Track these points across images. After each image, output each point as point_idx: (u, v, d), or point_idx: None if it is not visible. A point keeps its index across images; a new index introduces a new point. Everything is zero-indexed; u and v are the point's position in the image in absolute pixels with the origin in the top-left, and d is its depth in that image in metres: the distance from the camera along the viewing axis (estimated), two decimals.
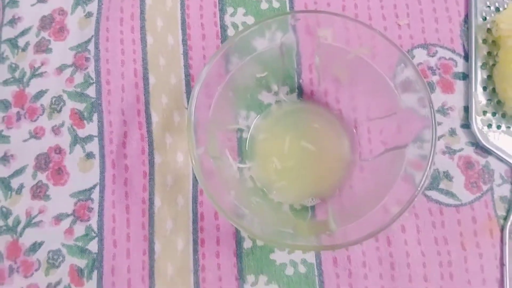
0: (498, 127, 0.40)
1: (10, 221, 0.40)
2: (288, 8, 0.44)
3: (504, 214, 0.39)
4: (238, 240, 0.39)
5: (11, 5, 0.45)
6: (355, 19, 0.34)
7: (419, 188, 0.30)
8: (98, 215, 0.39)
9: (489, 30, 0.42)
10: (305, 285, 0.38)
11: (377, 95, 0.36)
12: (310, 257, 0.38)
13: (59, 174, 0.40)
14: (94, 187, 0.40)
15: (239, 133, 0.39)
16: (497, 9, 0.43)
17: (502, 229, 0.38)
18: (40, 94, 0.42)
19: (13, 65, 0.43)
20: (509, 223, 0.38)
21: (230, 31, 0.43)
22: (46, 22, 0.44)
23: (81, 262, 0.39)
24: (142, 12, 0.44)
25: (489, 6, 0.43)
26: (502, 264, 0.38)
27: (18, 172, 0.41)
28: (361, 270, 0.38)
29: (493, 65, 0.41)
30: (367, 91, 0.37)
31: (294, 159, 0.39)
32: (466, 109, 0.41)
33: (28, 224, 0.39)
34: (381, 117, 0.37)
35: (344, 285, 0.38)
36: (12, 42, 0.44)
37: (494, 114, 0.41)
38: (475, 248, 0.38)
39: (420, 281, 0.38)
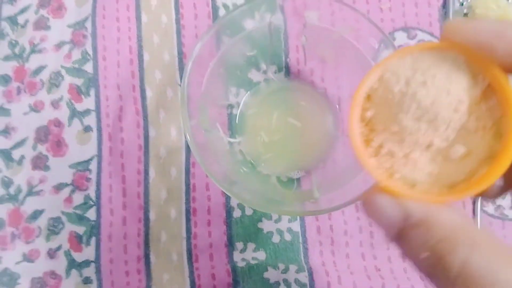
0: None
1: (11, 190, 0.41)
2: None
3: None
4: (228, 209, 0.41)
5: None
6: (340, 1, 0.36)
7: None
8: (96, 185, 0.41)
9: (465, 14, 0.44)
10: (290, 252, 0.40)
11: (360, 74, 0.38)
12: (295, 226, 0.40)
13: (58, 146, 0.42)
14: (92, 158, 0.42)
15: (230, 109, 0.41)
16: None
17: (474, 202, 0.41)
18: (40, 69, 0.43)
19: (13, 42, 0.44)
20: (480, 197, 0.40)
21: (221, 11, 0.45)
22: (44, 0, 0.45)
23: (80, 229, 0.40)
24: None
25: None
26: None
27: (19, 144, 0.42)
28: (342, 238, 0.40)
29: None
30: (350, 71, 0.39)
31: (281, 134, 0.41)
32: None
33: (29, 193, 0.41)
34: None
35: (327, 252, 0.40)
36: (12, 20, 0.45)
37: None
38: None
39: (397, 248, 0.40)
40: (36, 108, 0.43)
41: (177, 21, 0.44)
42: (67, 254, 0.40)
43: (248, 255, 0.40)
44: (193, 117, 0.35)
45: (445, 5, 0.45)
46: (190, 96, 0.35)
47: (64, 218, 0.41)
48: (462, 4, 0.44)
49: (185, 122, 0.34)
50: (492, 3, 0.42)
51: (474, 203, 0.41)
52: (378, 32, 0.35)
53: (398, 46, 0.44)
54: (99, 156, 0.42)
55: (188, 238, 0.40)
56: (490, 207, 0.41)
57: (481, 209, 0.41)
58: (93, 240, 0.40)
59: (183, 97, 0.34)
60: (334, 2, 0.36)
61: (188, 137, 0.33)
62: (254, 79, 0.42)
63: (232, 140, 0.40)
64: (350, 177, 0.36)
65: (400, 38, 0.44)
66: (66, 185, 0.41)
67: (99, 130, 0.42)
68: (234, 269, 0.39)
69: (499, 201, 0.41)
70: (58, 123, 0.42)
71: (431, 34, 0.44)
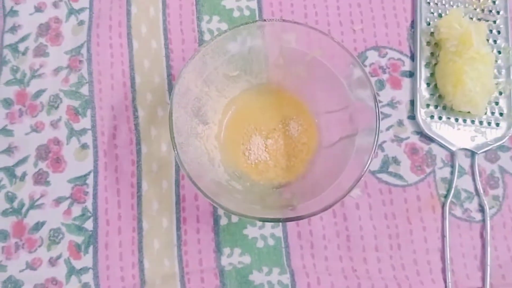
0: (440, 118, 0.46)
1: (15, 204, 0.44)
2: (257, 16, 0.49)
3: (445, 192, 0.44)
4: (215, 218, 0.44)
5: (11, 14, 0.48)
6: (313, 27, 0.40)
7: (365, 168, 0.36)
8: (93, 198, 0.44)
9: (432, 33, 0.47)
10: (274, 256, 0.43)
11: (332, 91, 0.41)
12: (278, 232, 0.43)
13: (58, 162, 0.45)
14: (88, 173, 0.44)
15: (213, 125, 0.44)
16: (440, 15, 0.48)
17: (443, 206, 0.44)
18: (39, 93, 0.46)
19: (15, 68, 0.47)
20: (449, 201, 0.44)
21: (207, 36, 0.48)
22: (43, 29, 0.48)
23: (79, 239, 0.43)
24: (129, 19, 0.48)
25: (432, 13, 0.48)
26: (443, 236, 0.43)
27: (21, 161, 0.45)
28: (321, 242, 0.43)
29: (435, 64, 0.47)
30: (324, 88, 0.42)
31: (262, 152, 0.44)
32: (412, 103, 0.46)
33: (31, 206, 0.44)
34: (337, 110, 0.42)
35: (307, 255, 0.43)
36: (13, 47, 0.48)
37: (436, 106, 0.46)
38: (419, 222, 0.43)
39: (372, 250, 0.43)
40: (37, 128, 0.45)
41: (166, 46, 0.48)
42: (67, 262, 0.42)
43: (235, 259, 0.43)
44: (180, 134, 0.38)
45: (413, 25, 0.48)
46: (178, 115, 0.38)
47: (64, 229, 0.43)
48: (428, 24, 0.48)
49: (173, 139, 0.37)
50: (455, 23, 0.45)
51: (443, 206, 0.44)
52: (346, 53, 0.38)
53: (370, 64, 0.47)
54: (95, 171, 0.44)
55: (179, 245, 0.43)
56: (458, 211, 0.44)
57: (450, 213, 0.44)
58: (90, 249, 0.43)
59: (171, 116, 0.37)
60: (307, 28, 0.40)
61: (176, 153, 0.37)
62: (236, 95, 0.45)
63: (215, 154, 0.43)
64: (327, 185, 0.38)
65: (372, 56, 0.47)
66: (65, 198, 0.44)
67: (95, 147, 0.45)
68: (221, 273, 0.42)
69: (467, 204, 0.44)
70: (57, 142, 0.45)
71: (401, 52, 0.47)
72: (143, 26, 0.48)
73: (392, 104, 0.46)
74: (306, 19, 0.48)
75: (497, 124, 0.45)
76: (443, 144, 0.45)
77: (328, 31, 0.48)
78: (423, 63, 0.47)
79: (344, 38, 0.48)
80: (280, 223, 0.43)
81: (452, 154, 0.45)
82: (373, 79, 0.47)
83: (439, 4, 0.48)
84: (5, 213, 0.44)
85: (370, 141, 0.37)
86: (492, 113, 0.46)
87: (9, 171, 0.45)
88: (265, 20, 0.46)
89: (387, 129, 0.46)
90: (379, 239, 0.43)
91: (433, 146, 0.45)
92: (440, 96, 0.46)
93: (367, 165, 0.36)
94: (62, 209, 0.44)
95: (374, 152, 0.36)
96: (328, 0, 0.49)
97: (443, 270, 0.42)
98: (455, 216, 0.44)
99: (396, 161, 0.45)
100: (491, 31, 0.48)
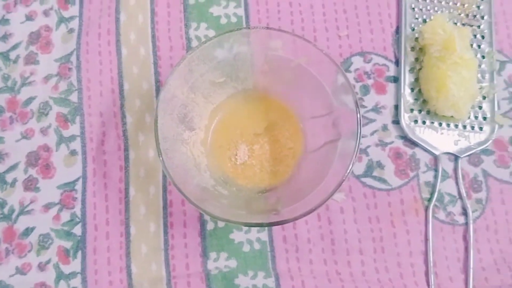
0: (423, 122, 0.46)
1: (5, 210, 0.44)
2: (244, 23, 0.49)
3: (428, 196, 0.45)
4: (202, 223, 0.44)
5: (3, 23, 0.49)
6: (298, 35, 0.40)
7: (347, 171, 0.36)
8: (81, 203, 0.45)
9: (416, 39, 0.48)
10: (259, 260, 0.43)
11: (317, 97, 0.42)
12: (264, 236, 0.44)
13: (47, 169, 0.45)
14: (77, 179, 0.45)
15: (199, 131, 0.44)
16: (424, 21, 0.49)
17: (426, 209, 0.44)
18: (30, 100, 0.47)
19: (6, 75, 0.48)
20: (432, 204, 0.44)
21: (194, 43, 0.49)
22: (34, 38, 0.49)
23: (67, 244, 0.44)
24: (117, 27, 0.49)
25: (417, 18, 0.49)
26: (426, 239, 0.44)
27: (12, 168, 0.46)
28: (306, 246, 0.44)
29: (420, 69, 0.47)
30: (309, 94, 0.43)
31: (249, 157, 0.45)
32: (396, 108, 0.47)
33: (21, 212, 0.44)
34: (322, 115, 0.42)
35: (292, 259, 0.43)
36: (4, 55, 0.48)
37: (420, 111, 0.47)
38: (403, 226, 0.44)
39: (356, 254, 0.44)
40: (27, 135, 0.46)
41: (154, 53, 0.48)
42: (56, 266, 0.43)
43: (221, 263, 0.43)
44: (166, 141, 0.39)
45: (398, 31, 0.49)
46: (163, 122, 0.39)
47: (53, 234, 0.44)
48: (413, 30, 0.49)
49: (158, 146, 0.37)
50: (439, 28, 0.45)
51: (426, 210, 0.44)
52: (329, 60, 0.39)
53: (355, 69, 0.48)
54: (84, 177, 0.45)
55: (166, 250, 0.44)
56: (441, 214, 0.44)
57: (433, 216, 0.44)
58: (79, 254, 0.43)
59: (156, 123, 0.38)
60: (291, 36, 0.40)
61: (161, 159, 0.37)
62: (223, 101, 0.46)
63: (201, 159, 0.43)
64: (311, 189, 0.39)
65: (357, 62, 0.48)
66: (55, 204, 0.44)
67: (84, 153, 0.46)
68: (208, 277, 0.43)
69: (450, 208, 0.45)
70: (47, 148, 0.46)
71: (386, 58, 0.48)
72: (132, 33, 0.49)
73: (376, 109, 0.47)
74: (293, 25, 0.49)
75: (481, 128, 0.46)
76: (427, 148, 0.46)
77: (314, 37, 0.49)
78: (408, 68, 0.48)
79: (330, 44, 0.48)
80: (266, 228, 0.44)
81: (436, 158, 0.46)
82: (358, 85, 0.47)
83: (423, 9, 0.49)
84: None
85: (353, 145, 0.37)
86: (476, 117, 0.46)
87: (0, 178, 0.45)
88: (251, 27, 0.47)
89: (372, 133, 0.46)
90: (363, 243, 0.44)
91: (417, 150, 0.46)
92: (424, 101, 0.47)
93: (350, 168, 0.37)
94: (51, 214, 0.44)
95: (355, 156, 0.37)
96: (314, 7, 0.49)
97: (426, 273, 0.43)
98: (438, 220, 0.44)
99: (380, 165, 0.45)
100: (475, 36, 0.48)
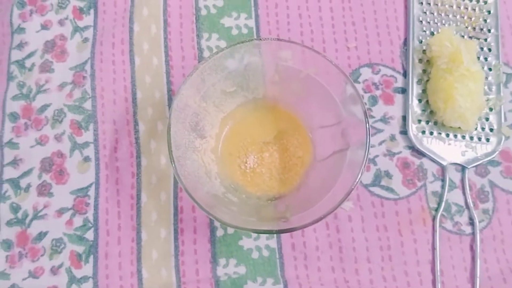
0: (431, 133, 0.47)
1: (19, 215, 0.45)
2: (255, 34, 0.50)
3: (435, 206, 0.45)
4: (212, 229, 0.45)
5: (19, 32, 0.50)
6: (307, 46, 0.41)
7: (356, 180, 0.37)
8: (94, 209, 0.45)
9: (424, 51, 0.49)
10: (268, 267, 0.44)
11: (326, 107, 0.42)
12: (272, 243, 0.44)
13: (61, 174, 0.46)
14: (90, 185, 0.46)
15: (210, 138, 0.45)
16: (432, 33, 0.49)
17: (434, 219, 0.45)
18: (44, 107, 0.48)
19: (21, 83, 0.49)
20: (439, 214, 0.45)
21: (206, 53, 0.50)
22: (49, 46, 0.50)
23: (80, 248, 0.44)
24: (131, 37, 0.50)
25: (424, 31, 0.50)
26: (433, 248, 0.44)
27: (26, 173, 0.46)
28: (314, 253, 0.44)
29: (427, 81, 0.48)
30: (318, 104, 0.44)
31: (258, 165, 0.45)
32: (404, 118, 0.47)
33: (35, 217, 0.45)
34: (330, 125, 0.43)
35: (301, 266, 0.44)
36: (20, 63, 0.49)
37: (427, 122, 0.47)
38: (410, 235, 0.44)
39: (364, 262, 0.44)
40: (41, 141, 0.47)
41: (167, 63, 0.49)
42: (68, 270, 0.44)
43: (230, 270, 0.44)
44: (178, 148, 0.40)
45: (406, 43, 0.50)
46: (176, 129, 0.39)
47: (65, 239, 0.44)
48: (421, 42, 0.49)
49: (171, 153, 0.38)
50: (446, 41, 0.46)
51: (433, 219, 0.45)
52: (338, 71, 0.40)
53: (363, 80, 0.48)
54: (97, 183, 0.46)
55: (176, 255, 0.44)
56: (448, 223, 0.45)
57: (440, 225, 0.45)
58: (91, 258, 0.44)
59: (169, 131, 0.39)
60: (302, 47, 0.41)
61: (173, 166, 0.38)
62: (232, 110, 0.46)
63: (212, 167, 0.44)
64: (319, 197, 0.40)
65: (365, 73, 0.49)
66: (68, 209, 0.45)
67: (97, 160, 0.46)
68: (217, 283, 0.43)
69: (457, 218, 0.45)
70: (60, 155, 0.47)
71: (393, 69, 0.49)
72: (145, 43, 0.50)
73: (384, 119, 0.47)
74: (302, 36, 0.50)
75: (487, 140, 0.46)
76: (434, 158, 0.46)
77: (323, 48, 0.49)
78: (415, 79, 0.48)
79: (339, 55, 0.49)
80: (275, 235, 0.44)
81: (443, 169, 0.46)
82: (366, 95, 0.48)
83: (431, 22, 0.50)
84: (9, 223, 0.45)
85: (361, 155, 0.38)
86: (483, 129, 0.47)
87: (14, 183, 0.46)
88: (261, 38, 0.48)
89: (380, 143, 0.47)
90: (370, 251, 0.44)
91: (425, 160, 0.46)
92: (431, 112, 0.47)
93: (358, 178, 0.37)
94: (64, 219, 0.45)
95: (364, 166, 0.37)
96: (323, 18, 0.50)
97: (433, 282, 0.43)
98: (445, 229, 0.45)
99: (388, 174, 0.46)
100: (482, 48, 0.49)
